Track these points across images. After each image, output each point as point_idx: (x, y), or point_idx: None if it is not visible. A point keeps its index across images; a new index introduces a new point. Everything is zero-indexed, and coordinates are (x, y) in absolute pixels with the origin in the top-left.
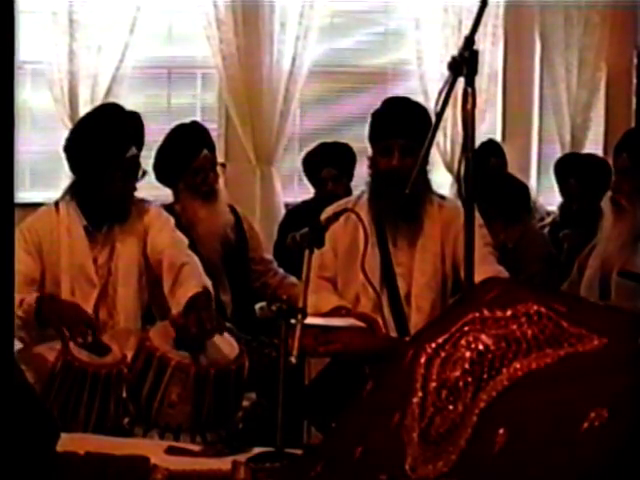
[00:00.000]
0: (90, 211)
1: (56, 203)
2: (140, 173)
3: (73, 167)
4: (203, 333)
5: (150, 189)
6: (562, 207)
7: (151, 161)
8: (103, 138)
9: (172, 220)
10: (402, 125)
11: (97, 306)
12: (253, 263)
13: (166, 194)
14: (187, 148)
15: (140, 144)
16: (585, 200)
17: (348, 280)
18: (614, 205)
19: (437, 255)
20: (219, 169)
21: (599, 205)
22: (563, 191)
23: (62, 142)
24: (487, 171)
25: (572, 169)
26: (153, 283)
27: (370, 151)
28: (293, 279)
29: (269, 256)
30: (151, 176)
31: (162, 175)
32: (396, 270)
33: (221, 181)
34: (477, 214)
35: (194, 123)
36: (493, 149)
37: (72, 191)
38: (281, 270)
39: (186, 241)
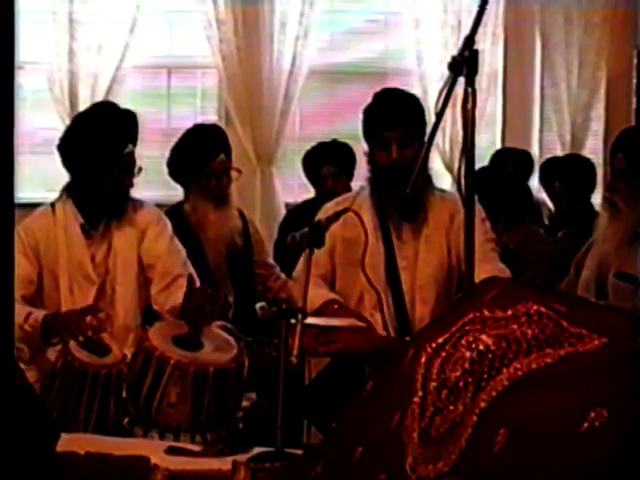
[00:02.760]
0: (87, 209)
1: (52, 204)
2: (136, 170)
3: (68, 165)
4: (212, 309)
5: (158, 189)
6: (554, 210)
7: (145, 160)
8: (100, 135)
9: (170, 226)
10: (397, 117)
11: (96, 304)
12: (256, 267)
13: (173, 194)
14: (204, 151)
15: (135, 141)
16: (574, 200)
17: (351, 278)
18: (610, 205)
19: (442, 246)
20: (233, 174)
21: (590, 203)
22: (550, 195)
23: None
24: (488, 173)
25: (555, 172)
26: (149, 281)
27: (365, 147)
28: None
29: (272, 260)
30: (160, 176)
31: (175, 173)
32: (401, 264)
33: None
34: (480, 207)
35: (214, 126)
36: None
37: (68, 190)
38: (283, 275)
39: (184, 251)
